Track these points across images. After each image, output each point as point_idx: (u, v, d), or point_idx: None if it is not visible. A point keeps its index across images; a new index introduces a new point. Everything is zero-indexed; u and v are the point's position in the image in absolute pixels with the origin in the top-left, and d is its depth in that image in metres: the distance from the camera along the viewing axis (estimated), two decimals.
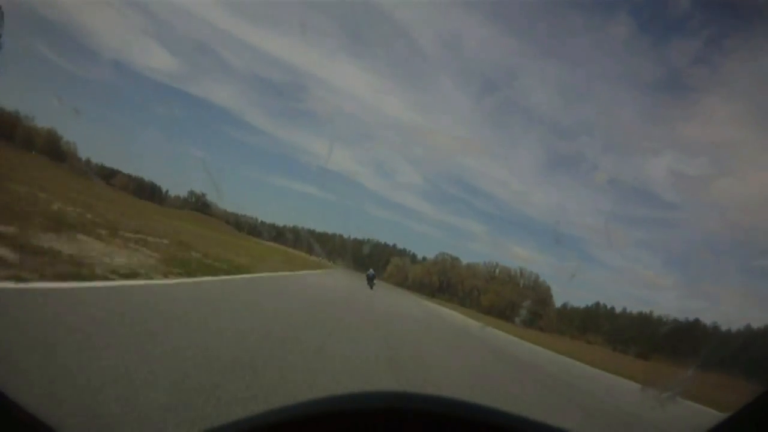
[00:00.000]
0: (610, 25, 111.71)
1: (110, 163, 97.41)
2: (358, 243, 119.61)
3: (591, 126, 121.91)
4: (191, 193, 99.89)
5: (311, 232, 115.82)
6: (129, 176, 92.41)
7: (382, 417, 0.58)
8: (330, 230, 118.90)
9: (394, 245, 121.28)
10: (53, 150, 72.08)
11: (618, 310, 76.79)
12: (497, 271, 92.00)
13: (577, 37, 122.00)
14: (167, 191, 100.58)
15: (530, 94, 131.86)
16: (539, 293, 78.16)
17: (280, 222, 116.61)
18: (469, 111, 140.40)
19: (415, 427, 0.58)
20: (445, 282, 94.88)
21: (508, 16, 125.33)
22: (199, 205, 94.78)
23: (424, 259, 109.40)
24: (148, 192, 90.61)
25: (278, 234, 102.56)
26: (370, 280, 29.12)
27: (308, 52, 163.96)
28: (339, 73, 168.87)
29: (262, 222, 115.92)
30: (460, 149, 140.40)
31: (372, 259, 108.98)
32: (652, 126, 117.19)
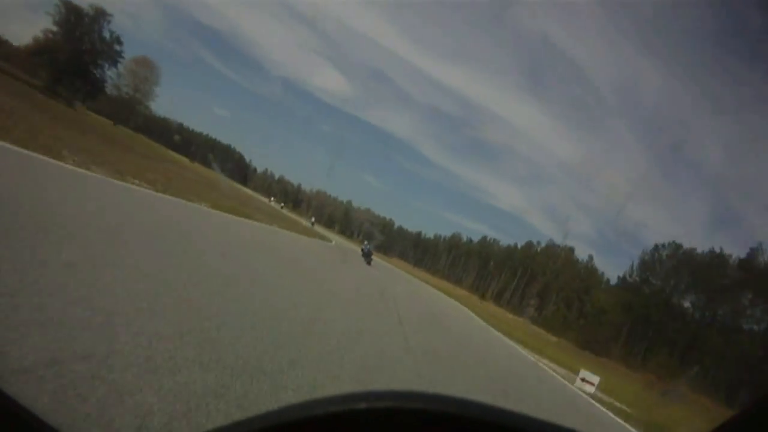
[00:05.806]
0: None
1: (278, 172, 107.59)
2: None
3: (761, 178, 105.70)
4: None
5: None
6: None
7: (384, 417, 0.53)
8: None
9: None
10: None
11: None
12: None
13: (747, 87, 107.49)
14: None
15: (700, 147, 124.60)
16: None
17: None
18: (640, 159, 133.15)
19: (416, 427, 0.53)
20: None
21: (686, 66, 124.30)
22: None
23: None
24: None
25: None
26: (367, 256, 26.94)
27: (484, 86, 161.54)
28: (513, 110, 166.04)
29: None
30: (629, 197, 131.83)
31: None
32: None
